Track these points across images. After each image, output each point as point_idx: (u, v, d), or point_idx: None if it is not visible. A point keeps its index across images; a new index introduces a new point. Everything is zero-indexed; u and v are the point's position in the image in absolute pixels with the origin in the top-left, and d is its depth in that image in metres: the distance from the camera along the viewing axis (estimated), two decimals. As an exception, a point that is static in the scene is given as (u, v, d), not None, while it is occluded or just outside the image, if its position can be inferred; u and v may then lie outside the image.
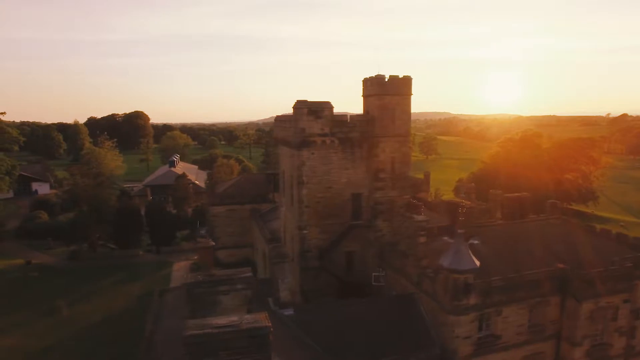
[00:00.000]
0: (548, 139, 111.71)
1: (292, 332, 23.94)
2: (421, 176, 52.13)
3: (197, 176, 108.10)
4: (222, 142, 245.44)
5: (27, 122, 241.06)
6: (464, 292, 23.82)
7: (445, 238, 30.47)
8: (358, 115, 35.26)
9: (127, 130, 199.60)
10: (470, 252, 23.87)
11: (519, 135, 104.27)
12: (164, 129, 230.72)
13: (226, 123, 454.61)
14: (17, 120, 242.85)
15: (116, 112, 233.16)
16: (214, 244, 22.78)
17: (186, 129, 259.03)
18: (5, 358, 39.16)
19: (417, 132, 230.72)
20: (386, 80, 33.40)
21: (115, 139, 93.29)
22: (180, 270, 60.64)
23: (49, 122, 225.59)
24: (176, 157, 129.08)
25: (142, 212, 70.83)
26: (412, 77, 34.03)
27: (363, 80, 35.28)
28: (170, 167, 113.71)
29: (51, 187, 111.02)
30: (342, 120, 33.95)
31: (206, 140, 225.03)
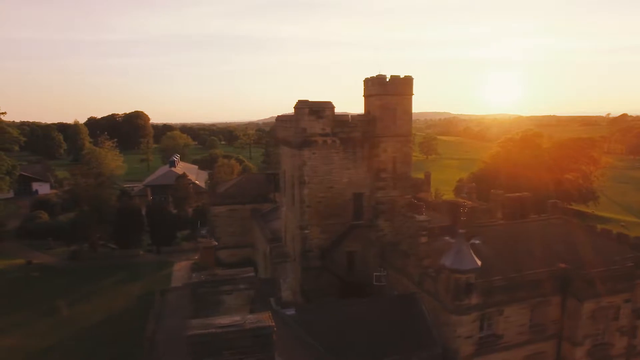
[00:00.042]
0: (548, 139, 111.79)
1: (294, 332, 23.94)
2: (421, 176, 52.19)
3: (197, 176, 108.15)
4: (222, 142, 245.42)
5: (27, 122, 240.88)
6: (466, 291, 23.84)
7: (447, 238, 30.48)
8: (359, 115, 35.30)
9: (127, 130, 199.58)
10: (472, 252, 23.90)
11: (519, 135, 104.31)
12: (164, 129, 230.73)
13: (226, 123, 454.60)
14: (17, 120, 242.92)
15: (116, 112, 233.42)
16: (216, 243, 22.80)
17: (186, 129, 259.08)
18: (6, 358, 39.17)
19: (417, 132, 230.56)
20: (387, 80, 33.45)
21: (116, 139, 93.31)
22: (181, 270, 60.64)
23: (49, 122, 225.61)
24: (176, 157, 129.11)
25: (143, 212, 70.87)
26: (413, 77, 34.09)
27: (364, 80, 35.32)
28: (170, 167, 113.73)
29: (51, 187, 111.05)
30: (343, 120, 33.99)
31: (206, 140, 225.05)
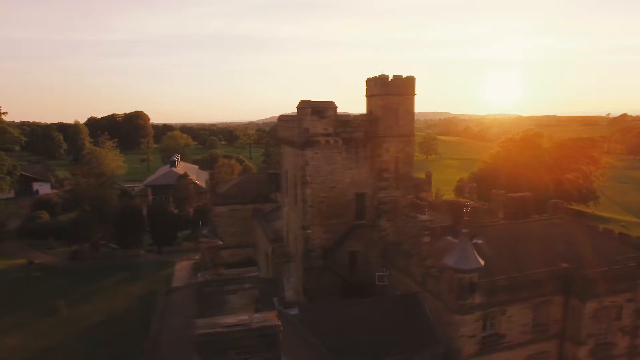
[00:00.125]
0: (548, 139, 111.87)
1: (298, 332, 23.98)
2: (422, 176, 52.23)
3: (197, 176, 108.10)
4: (222, 142, 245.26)
5: (27, 122, 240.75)
6: (469, 291, 23.91)
7: (449, 238, 30.57)
8: (362, 115, 35.34)
9: (127, 130, 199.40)
10: (475, 251, 23.95)
11: (519, 135, 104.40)
12: (164, 129, 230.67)
13: (226, 123, 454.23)
14: (17, 120, 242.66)
15: (116, 112, 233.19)
16: (221, 243, 22.85)
17: (186, 129, 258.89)
18: (9, 358, 39.18)
19: (417, 132, 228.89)
20: (389, 80, 33.47)
21: (116, 139, 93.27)
22: (182, 270, 60.66)
23: (49, 122, 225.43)
24: (177, 157, 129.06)
25: (144, 212, 70.87)
26: (415, 77, 34.12)
27: (366, 80, 35.35)
28: (171, 167, 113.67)
29: (52, 187, 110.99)
30: (345, 120, 34.03)
31: (206, 140, 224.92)
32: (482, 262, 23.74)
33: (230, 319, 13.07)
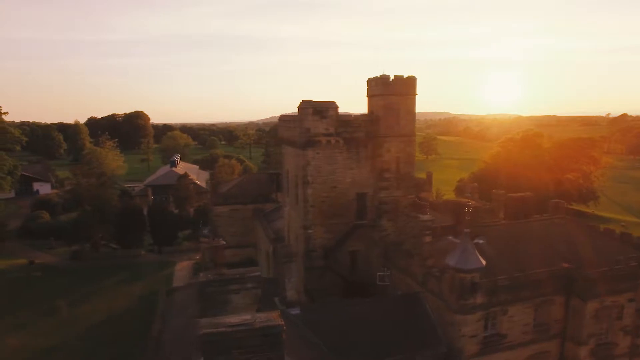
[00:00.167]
0: (548, 139, 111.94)
1: (300, 331, 24.00)
2: (423, 176, 52.23)
3: (198, 176, 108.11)
4: (222, 142, 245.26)
5: (27, 122, 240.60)
6: (471, 291, 23.92)
7: (450, 237, 30.59)
8: (363, 115, 35.36)
9: (127, 130, 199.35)
10: (476, 251, 23.98)
11: (519, 135, 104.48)
12: (164, 129, 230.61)
13: (226, 123, 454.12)
14: (17, 120, 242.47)
15: (116, 112, 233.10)
16: (225, 242, 22.89)
17: (186, 129, 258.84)
18: (10, 357, 39.22)
19: (417, 132, 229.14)
20: (391, 80, 33.48)
21: (116, 139, 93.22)
22: (182, 270, 60.68)
23: (49, 122, 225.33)
24: (177, 157, 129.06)
25: (144, 212, 70.90)
26: (416, 77, 34.15)
27: (367, 80, 35.36)
28: (171, 167, 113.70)
29: (52, 187, 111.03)
30: (347, 120, 34.04)
31: (206, 140, 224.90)
32: (484, 262, 23.77)
33: (234, 319, 13.10)
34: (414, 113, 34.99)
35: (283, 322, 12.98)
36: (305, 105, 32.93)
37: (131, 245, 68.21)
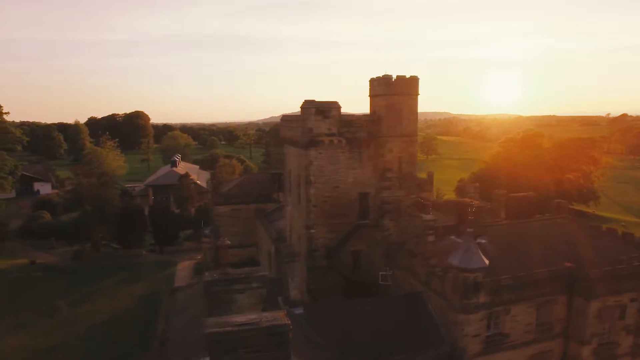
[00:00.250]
0: (548, 139, 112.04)
1: (303, 331, 24.03)
2: (423, 176, 52.26)
3: (198, 176, 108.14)
4: (223, 142, 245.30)
5: (27, 122, 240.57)
6: (474, 290, 23.97)
7: (452, 237, 30.62)
8: (365, 115, 35.44)
9: (127, 130, 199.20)
10: (479, 251, 24.02)
11: (519, 135, 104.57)
12: (164, 129, 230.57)
13: (226, 123, 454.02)
14: (17, 120, 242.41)
15: (116, 112, 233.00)
16: (229, 242, 22.94)
17: (186, 129, 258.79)
18: (11, 357, 39.21)
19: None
20: (393, 80, 33.55)
21: (116, 139, 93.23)
22: (184, 270, 60.71)
23: (49, 122, 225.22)
24: (178, 157, 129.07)
25: (145, 212, 70.92)
26: (418, 77, 34.21)
27: (370, 80, 35.43)
28: (172, 167, 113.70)
29: (53, 187, 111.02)
30: (349, 120, 34.11)
31: (206, 140, 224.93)
32: (487, 262, 23.82)
33: (240, 318, 13.11)
34: (416, 113, 35.08)
35: (289, 322, 13.00)
36: (308, 105, 32.99)
37: (132, 245, 68.21)
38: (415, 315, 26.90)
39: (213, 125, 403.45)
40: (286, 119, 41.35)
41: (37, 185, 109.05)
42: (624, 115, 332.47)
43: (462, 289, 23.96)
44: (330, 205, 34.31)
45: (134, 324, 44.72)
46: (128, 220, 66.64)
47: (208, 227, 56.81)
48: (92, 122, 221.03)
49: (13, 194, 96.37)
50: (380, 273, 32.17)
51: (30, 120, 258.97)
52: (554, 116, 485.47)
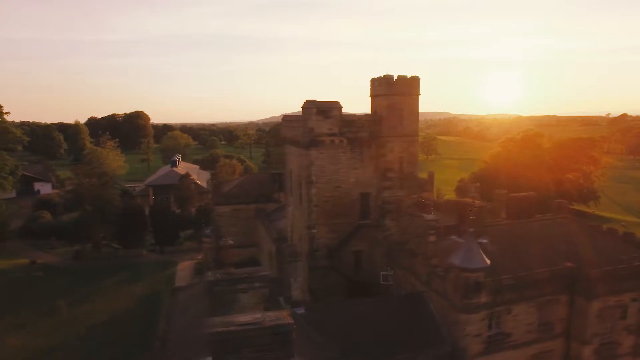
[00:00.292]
0: (548, 139, 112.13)
1: (305, 331, 24.05)
2: (425, 176, 52.28)
3: (198, 176, 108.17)
4: (223, 142, 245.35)
5: (27, 122, 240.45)
6: (475, 290, 24.00)
7: (454, 237, 30.63)
8: (366, 115, 35.49)
9: (127, 130, 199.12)
10: (481, 250, 24.06)
11: (519, 135, 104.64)
12: (164, 129, 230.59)
13: (226, 123, 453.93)
14: (17, 120, 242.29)
15: (116, 112, 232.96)
16: (232, 242, 22.96)
17: (186, 129, 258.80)
18: (11, 357, 39.23)
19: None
20: (394, 80, 33.58)
21: (116, 139, 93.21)
22: (184, 270, 60.74)
23: (49, 122, 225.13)
24: (178, 157, 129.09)
25: (146, 212, 70.95)
26: (419, 77, 34.24)
27: (371, 80, 35.47)
28: (172, 167, 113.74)
29: (53, 187, 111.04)
30: (350, 120, 34.15)
31: (207, 140, 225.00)
32: (489, 262, 23.85)
33: (243, 318, 13.14)
34: (417, 113, 35.13)
35: (293, 321, 13.03)
36: (309, 105, 33.03)
37: (132, 245, 68.25)
38: (416, 315, 26.92)
39: (213, 125, 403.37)
40: (287, 119, 41.39)
41: (37, 185, 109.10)
42: (624, 115, 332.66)
43: (463, 288, 23.99)
44: (331, 205, 34.34)
45: (134, 324, 44.74)
46: (128, 220, 66.67)
47: (208, 227, 56.78)
48: (92, 122, 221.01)
49: (13, 194, 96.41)
50: (382, 273, 32.18)
51: (30, 120, 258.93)
52: (554, 116, 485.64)
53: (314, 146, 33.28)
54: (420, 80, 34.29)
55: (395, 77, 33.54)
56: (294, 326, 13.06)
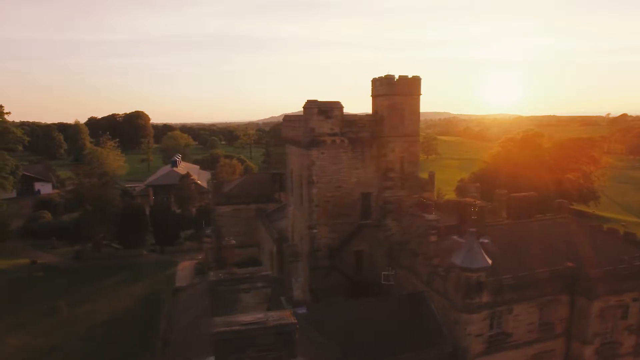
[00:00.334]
0: (548, 139, 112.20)
1: (306, 331, 24.06)
2: (425, 176, 52.29)
3: (199, 176, 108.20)
4: (223, 142, 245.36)
5: (27, 122, 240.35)
6: (476, 290, 24.00)
7: (455, 237, 30.66)
8: (367, 115, 35.50)
9: (127, 130, 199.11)
10: (482, 250, 24.07)
11: (519, 135, 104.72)
12: (164, 129, 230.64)
13: (226, 123, 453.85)
14: (17, 120, 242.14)
15: (116, 112, 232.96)
16: (234, 242, 22.97)
17: (186, 129, 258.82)
18: (9, 358, 39.24)
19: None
20: (395, 80, 33.60)
21: (117, 139, 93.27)
22: (185, 270, 60.75)
23: (49, 122, 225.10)
24: (178, 157, 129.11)
25: (146, 212, 70.94)
26: (420, 77, 34.26)
27: (372, 80, 35.49)
28: (172, 167, 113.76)
29: (53, 187, 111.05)
30: (351, 120, 34.16)
31: (207, 140, 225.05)
32: (490, 261, 23.87)
33: (247, 317, 13.15)
34: (419, 113, 35.15)
35: (296, 321, 13.05)
36: (311, 105, 33.04)
37: (133, 245, 68.27)
38: (417, 315, 26.93)
39: (213, 125, 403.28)
40: (288, 119, 41.39)
41: (37, 185, 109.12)
42: (624, 115, 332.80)
43: (464, 288, 23.98)
44: (332, 205, 34.35)
45: (134, 324, 44.77)
46: (129, 220, 66.68)
47: (209, 227, 56.83)
48: (92, 122, 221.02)
49: (14, 194, 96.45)
50: (383, 273, 32.18)
51: (31, 120, 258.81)
52: (554, 116, 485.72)
53: (315, 146, 33.29)
54: (421, 80, 34.29)
55: (397, 77, 33.56)
56: (297, 326, 13.08)
